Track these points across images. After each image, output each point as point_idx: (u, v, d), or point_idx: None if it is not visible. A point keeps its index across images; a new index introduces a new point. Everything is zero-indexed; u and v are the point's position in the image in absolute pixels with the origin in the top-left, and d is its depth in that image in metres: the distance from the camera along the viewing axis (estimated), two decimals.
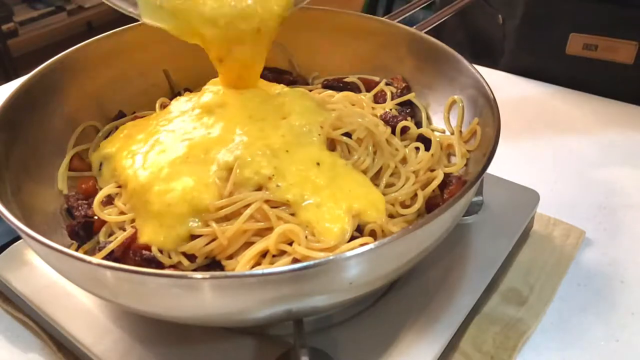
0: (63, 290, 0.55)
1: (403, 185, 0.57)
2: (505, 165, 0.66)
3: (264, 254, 0.49)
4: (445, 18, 0.75)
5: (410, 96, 0.68)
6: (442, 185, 0.56)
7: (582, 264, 0.63)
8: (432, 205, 0.55)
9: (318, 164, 0.54)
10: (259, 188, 0.52)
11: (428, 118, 0.67)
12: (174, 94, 0.73)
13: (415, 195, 0.56)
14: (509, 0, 0.97)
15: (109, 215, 0.55)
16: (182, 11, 0.55)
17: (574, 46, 0.92)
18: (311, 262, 0.38)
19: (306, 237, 0.49)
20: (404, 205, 0.56)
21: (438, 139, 0.62)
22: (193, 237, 0.51)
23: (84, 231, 0.55)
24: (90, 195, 0.59)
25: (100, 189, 0.58)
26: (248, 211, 0.50)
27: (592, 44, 0.90)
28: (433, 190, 0.56)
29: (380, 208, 0.53)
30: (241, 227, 0.50)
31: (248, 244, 0.50)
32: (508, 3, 0.97)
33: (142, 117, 0.67)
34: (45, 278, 0.56)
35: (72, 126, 0.64)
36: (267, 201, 0.51)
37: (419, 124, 0.66)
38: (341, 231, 0.50)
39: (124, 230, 0.53)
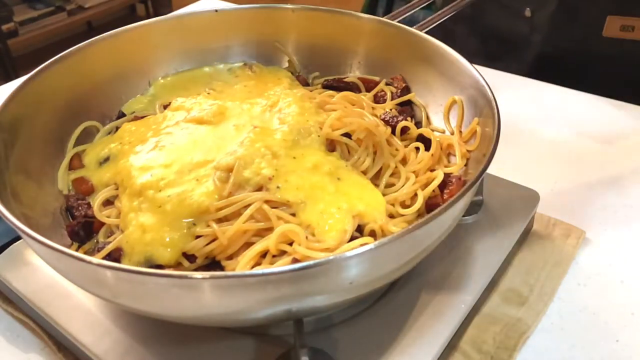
0: (63, 290, 0.55)
1: (403, 185, 0.57)
2: (505, 165, 0.66)
3: (264, 254, 0.49)
4: (446, 18, 0.75)
5: (410, 96, 0.68)
6: (442, 185, 0.56)
7: (582, 264, 0.63)
8: (432, 205, 0.55)
9: (318, 165, 0.54)
10: (259, 189, 0.52)
11: (428, 118, 0.67)
12: None
13: (415, 195, 0.56)
14: None
15: (108, 217, 0.55)
16: None
17: (610, 28, 0.93)
18: (311, 262, 0.38)
19: (306, 237, 0.49)
20: (404, 205, 0.56)
21: (438, 139, 0.62)
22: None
23: (84, 231, 0.55)
24: (88, 195, 0.59)
25: (96, 187, 0.59)
26: (248, 211, 0.50)
27: (629, 25, 0.91)
28: (433, 190, 0.56)
29: (381, 209, 0.53)
30: (241, 227, 0.50)
31: (248, 244, 0.50)
32: None
33: (142, 117, 0.67)
34: (45, 278, 0.56)
35: (72, 126, 0.64)
36: (267, 201, 0.51)
37: (419, 124, 0.66)
38: (341, 231, 0.50)
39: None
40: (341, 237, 0.49)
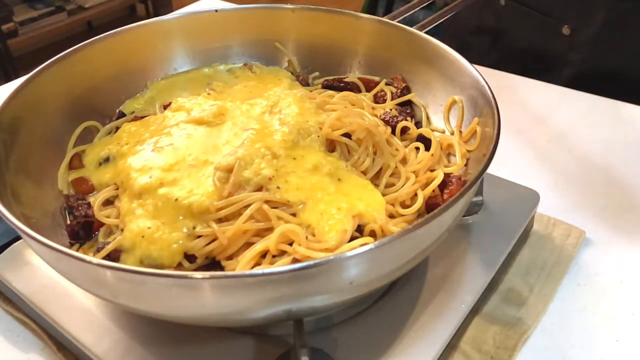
0: (63, 290, 0.55)
1: (403, 186, 0.57)
2: (505, 165, 0.66)
3: (264, 255, 0.49)
4: (446, 18, 0.75)
5: (410, 96, 0.68)
6: (442, 186, 0.56)
7: (582, 264, 0.63)
8: (432, 205, 0.55)
9: (318, 166, 0.54)
10: (259, 189, 0.52)
11: (428, 118, 0.67)
12: None
13: (415, 195, 0.56)
14: (583, 8, 0.94)
15: (107, 217, 0.55)
16: None
17: None
18: (311, 262, 0.38)
19: (306, 237, 0.49)
20: (404, 205, 0.56)
21: (438, 139, 0.62)
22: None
23: (83, 231, 0.55)
24: (88, 194, 0.59)
25: (96, 188, 0.59)
26: (248, 211, 0.50)
27: None
28: (433, 190, 0.56)
29: (380, 209, 0.53)
30: (241, 227, 0.50)
31: (248, 245, 0.50)
32: (582, 11, 0.95)
33: (142, 117, 0.67)
34: (45, 278, 0.56)
35: (72, 126, 0.64)
36: (267, 202, 0.51)
37: (419, 124, 0.66)
38: (341, 232, 0.50)
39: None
40: (341, 237, 0.49)
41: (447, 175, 0.57)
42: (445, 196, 0.55)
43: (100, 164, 0.61)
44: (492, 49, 1.08)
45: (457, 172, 0.58)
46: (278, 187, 0.52)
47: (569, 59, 0.99)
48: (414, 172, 0.58)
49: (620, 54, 0.95)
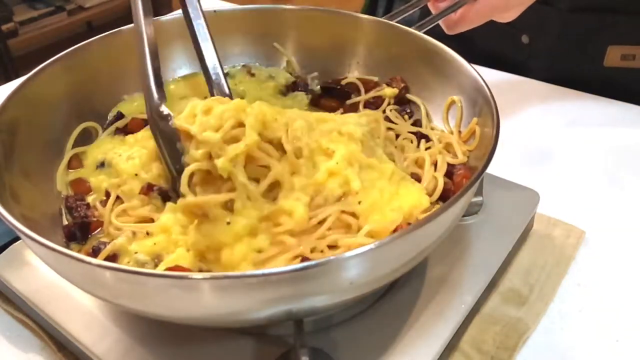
0: (63, 290, 0.55)
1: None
2: (505, 165, 0.66)
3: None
4: (445, 17, 0.75)
5: (409, 96, 0.68)
6: (449, 175, 0.57)
7: (582, 264, 0.63)
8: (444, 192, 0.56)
9: (394, 172, 0.54)
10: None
11: (428, 115, 0.67)
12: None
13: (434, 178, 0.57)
14: (539, 19, 0.95)
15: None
16: None
17: (612, 58, 0.92)
18: (311, 262, 0.38)
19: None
20: None
21: (437, 137, 0.62)
22: None
23: (80, 232, 0.55)
24: (87, 194, 0.59)
25: (94, 189, 0.59)
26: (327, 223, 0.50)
27: (630, 54, 0.91)
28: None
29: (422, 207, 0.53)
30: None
31: None
32: (538, 22, 0.96)
33: (141, 118, 0.66)
34: (45, 278, 0.55)
35: (72, 126, 0.64)
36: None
37: (418, 123, 0.66)
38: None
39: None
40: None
41: (451, 165, 0.57)
42: (458, 179, 0.55)
43: (96, 167, 0.61)
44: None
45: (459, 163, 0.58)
46: (359, 203, 0.51)
47: (530, 66, 1.00)
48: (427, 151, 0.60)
49: (573, 66, 0.96)
